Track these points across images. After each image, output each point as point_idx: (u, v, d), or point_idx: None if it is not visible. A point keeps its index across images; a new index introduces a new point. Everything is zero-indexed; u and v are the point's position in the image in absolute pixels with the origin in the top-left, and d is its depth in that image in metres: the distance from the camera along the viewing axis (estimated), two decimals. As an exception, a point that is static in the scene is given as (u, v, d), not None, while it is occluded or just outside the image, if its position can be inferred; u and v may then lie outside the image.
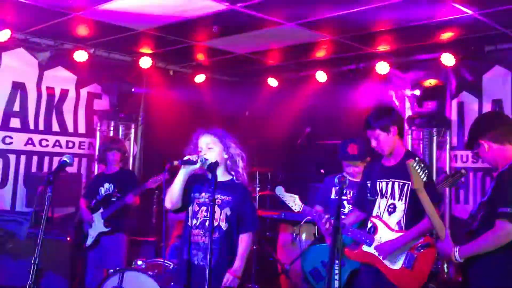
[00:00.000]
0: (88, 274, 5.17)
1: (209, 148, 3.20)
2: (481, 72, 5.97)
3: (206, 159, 3.12)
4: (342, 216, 3.81)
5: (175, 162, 3.06)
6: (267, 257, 5.92)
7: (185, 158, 3.08)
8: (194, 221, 3.20)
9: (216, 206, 3.14)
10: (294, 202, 3.62)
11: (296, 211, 3.61)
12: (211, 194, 2.95)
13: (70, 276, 5.69)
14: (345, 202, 4.12)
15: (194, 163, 3.07)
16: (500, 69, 5.83)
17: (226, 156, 3.23)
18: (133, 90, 6.62)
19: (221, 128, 3.31)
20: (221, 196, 3.17)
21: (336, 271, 2.75)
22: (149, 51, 6.64)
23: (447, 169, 5.92)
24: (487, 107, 5.91)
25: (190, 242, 3.16)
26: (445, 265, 4.14)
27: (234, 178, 3.25)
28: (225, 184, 3.20)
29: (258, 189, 6.36)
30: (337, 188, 2.91)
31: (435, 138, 5.94)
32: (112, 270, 4.18)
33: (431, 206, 2.83)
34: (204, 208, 3.18)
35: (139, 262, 4.29)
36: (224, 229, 3.17)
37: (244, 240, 3.18)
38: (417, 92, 5.93)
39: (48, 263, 5.39)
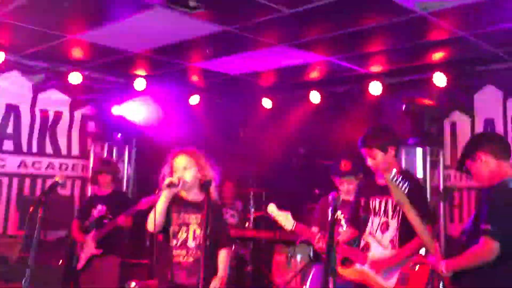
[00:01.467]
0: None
1: (186, 168, 3.23)
2: (473, 91, 6.02)
3: (185, 181, 3.18)
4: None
5: (163, 188, 3.12)
6: (262, 278, 5.87)
7: (167, 182, 3.12)
8: (175, 242, 3.23)
9: (195, 225, 3.20)
10: (287, 219, 3.60)
11: (288, 229, 3.58)
12: (202, 212, 2.96)
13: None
14: (343, 221, 4.08)
15: (177, 185, 3.13)
16: (492, 88, 5.88)
17: (199, 177, 3.27)
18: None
19: (195, 149, 3.36)
20: (200, 215, 3.20)
21: (330, 289, 2.71)
22: (143, 73, 6.67)
23: (441, 188, 5.92)
24: (479, 127, 5.94)
25: (172, 263, 3.17)
26: (441, 283, 4.11)
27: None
28: (201, 203, 3.21)
29: (252, 210, 6.34)
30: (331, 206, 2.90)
31: (428, 157, 5.96)
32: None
33: (416, 220, 2.84)
34: (184, 228, 3.22)
35: (132, 284, 4.25)
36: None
37: (223, 254, 3.27)
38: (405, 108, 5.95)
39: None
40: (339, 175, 4.30)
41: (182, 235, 3.21)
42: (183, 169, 3.23)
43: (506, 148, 3.00)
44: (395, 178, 2.76)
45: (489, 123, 5.89)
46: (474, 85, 5.98)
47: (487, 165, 2.90)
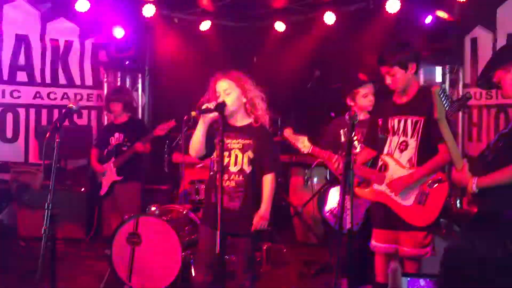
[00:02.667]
0: (104, 221, 5.28)
1: (227, 93, 3.14)
2: (496, 4, 5.73)
3: (225, 105, 3.06)
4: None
5: (193, 113, 3.04)
6: (279, 201, 5.97)
7: (203, 107, 3.02)
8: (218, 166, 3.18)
9: (237, 150, 3.15)
10: (303, 144, 3.57)
11: (304, 152, 3.56)
12: (220, 135, 2.92)
13: (87, 225, 5.84)
14: (356, 143, 4.02)
15: (212, 111, 3.02)
16: (515, 0, 5.60)
17: (244, 100, 3.19)
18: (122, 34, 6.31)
19: (238, 71, 3.23)
20: (242, 140, 3.16)
21: (348, 207, 2.73)
22: (152, -2, 6.47)
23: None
24: (501, 41, 5.71)
25: (216, 186, 3.12)
26: (458, 200, 4.13)
27: (253, 121, 3.21)
28: (245, 128, 3.18)
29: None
30: (347, 127, 2.85)
31: (447, 75, 5.80)
32: (127, 216, 4.26)
33: (450, 136, 2.72)
34: (226, 153, 3.16)
35: (153, 208, 4.35)
36: (248, 172, 3.16)
37: (268, 182, 3.17)
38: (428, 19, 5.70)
39: (64, 213, 5.54)
40: (358, 86, 4.07)
41: (224, 160, 3.13)
42: (224, 93, 3.14)
43: None
44: (442, 94, 2.62)
45: (512, 38, 5.66)
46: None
47: None
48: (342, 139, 4.28)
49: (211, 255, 2.92)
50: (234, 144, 3.18)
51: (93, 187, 5.35)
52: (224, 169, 3.12)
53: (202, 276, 3.17)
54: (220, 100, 3.09)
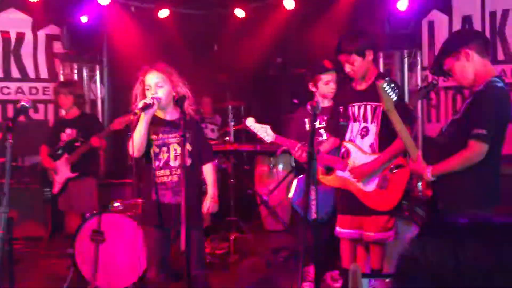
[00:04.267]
0: (62, 219, 5.14)
1: (159, 86, 3.10)
2: (451, -12, 5.84)
3: (159, 99, 3.05)
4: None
5: (137, 112, 2.97)
6: (245, 189, 5.97)
7: (141, 105, 2.97)
8: (157, 163, 3.19)
9: (176, 144, 3.15)
10: (266, 133, 3.54)
11: (268, 141, 3.53)
12: (178, 130, 2.89)
13: (46, 223, 5.70)
14: (322, 130, 4.04)
15: (152, 106, 3.00)
16: (470, -16, 5.71)
17: (174, 94, 3.15)
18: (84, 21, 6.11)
19: (166, 65, 3.19)
20: (178, 134, 3.11)
21: (313, 197, 2.74)
22: (107, -14, 6.28)
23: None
24: (457, 24, 5.83)
25: (157, 184, 3.15)
26: (419, 183, 4.21)
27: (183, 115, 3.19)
28: (177, 121, 3.12)
29: (232, 123, 6.29)
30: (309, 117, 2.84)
31: (406, 59, 5.89)
32: (89, 214, 4.15)
33: (402, 127, 2.78)
34: (164, 148, 3.17)
35: (116, 204, 4.26)
36: (188, 164, 3.15)
37: (209, 170, 3.30)
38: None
39: (23, 211, 5.39)
40: (322, 71, 4.04)
41: (163, 156, 3.16)
42: (156, 86, 3.09)
43: (488, 46, 2.84)
44: (387, 86, 2.66)
45: (467, 20, 5.77)
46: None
47: (472, 63, 2.72)
48: (307, 127, 4.29)
49: (159, 253, 3.16)
50: (172, 138, 3.16)
51: (45, 186, 5.16)
52: (164, 164, 3.15)
53: (155, 275, 3.20)
54: (152, 93, 3.06)
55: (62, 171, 4.86)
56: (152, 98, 3.02)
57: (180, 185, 2.92)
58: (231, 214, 5.37)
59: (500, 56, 5.57)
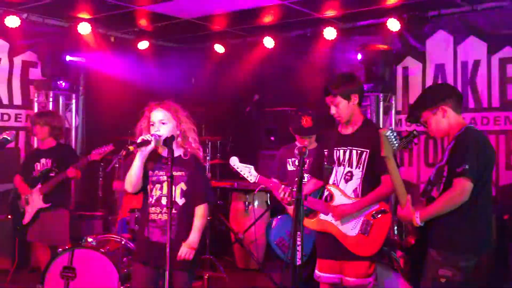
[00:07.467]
0: (29, 252, 4.94)
1: (163, 123, 3.10)
2: (425, 37, 6.08)
3: (159, 136, 3.05)
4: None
5: (131, 148, 2.96)
6: (220, 227, 5.91)
7: (139, 140, 2.98)
8: (150, 199, 3.16)
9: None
10: (250, 173, 3.55)
11: (251, 181, 3.55)
12: (168, 169, 2.87)
13: (13, 255, 5.45)
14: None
15: (149, 143, 2.99)
16: (443, 33, 5.96)
17: (178, 132, 3.15)
18: (67, 58, 6.24)
19: (173, 102, 3.20)
20: (174, 172, 3.07)
21: (299, 243, 2.74)
22: (87, 16, 6.26)
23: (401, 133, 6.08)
24: (430, 72, 6.06)
25: (148, 220, 3.11)
26: (395, 227, 4.28)
27: (182, 153, 3.19)
28: (176, 160, 3.11)
29: (208, 158, 6.28)
30: (296, 159, 2.88)
31: (381, 103, 6.05)
32: (60, 249, 4.02)
33: (397, 173, 2.84)
34: (158, 185, 3.14)
35: (90, 239, 4.14)
36: (181, 204, 3.13)
37: (199, 212, 3.16)
38: (359, 56, 6.01)
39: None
40: (301, 134, 4.29)
41: (156, 193, 3.13)
42: (160, 123, 3.09)
43: (462, 101, 3.04)
44: (391, 134, 2.74)
45: (440, 68, 6.01)
46: (426, 31, 6.04)
47: (447, 118, 2.89)
48: (289, 168, 4.33)
49: None
50: (165, 176, 3.08)
51: (16, 216, 4.96)
52: (156, 202, 3.10)
53: None
54: (155, 130, 3.06)
55: (34, 201, 4.72)
56: (152, 134, 3.02)
57: (173, 224, 2.88)
58: (205, 251, 5.29)
59: (471, 104, 5.80)
